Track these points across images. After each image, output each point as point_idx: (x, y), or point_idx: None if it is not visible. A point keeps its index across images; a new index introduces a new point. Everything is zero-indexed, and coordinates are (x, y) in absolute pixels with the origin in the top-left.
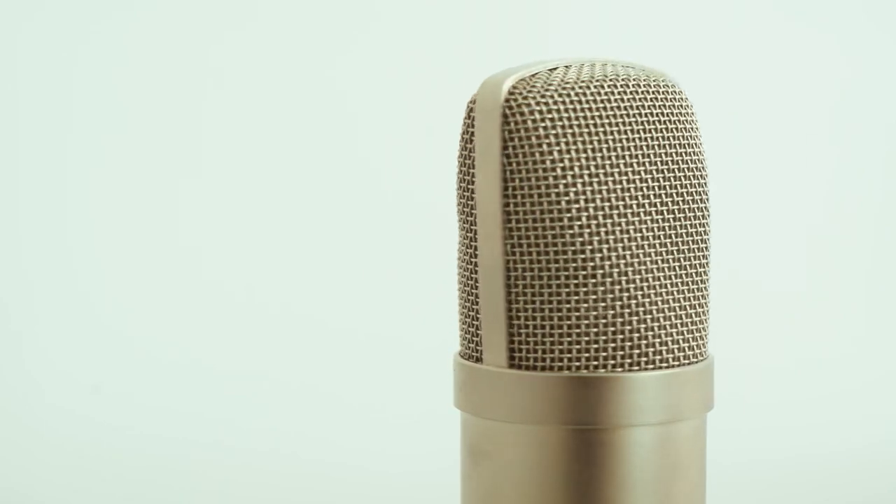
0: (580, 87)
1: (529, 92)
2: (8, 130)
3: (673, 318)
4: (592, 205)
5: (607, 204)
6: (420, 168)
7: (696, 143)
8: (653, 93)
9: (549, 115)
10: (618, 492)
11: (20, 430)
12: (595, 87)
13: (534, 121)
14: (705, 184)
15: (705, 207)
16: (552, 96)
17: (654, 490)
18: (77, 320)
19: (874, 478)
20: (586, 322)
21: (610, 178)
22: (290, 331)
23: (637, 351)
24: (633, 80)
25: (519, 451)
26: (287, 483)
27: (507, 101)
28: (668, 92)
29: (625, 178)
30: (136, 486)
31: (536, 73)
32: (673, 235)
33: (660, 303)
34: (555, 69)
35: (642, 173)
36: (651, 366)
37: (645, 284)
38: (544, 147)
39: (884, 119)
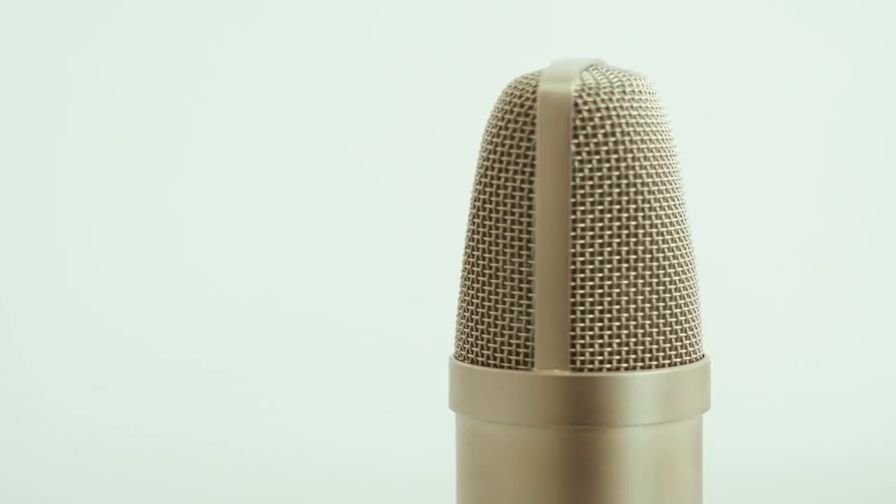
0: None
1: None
2: (6, 130)
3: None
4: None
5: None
6: (421, 169)
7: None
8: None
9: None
10: (613, 492)
11: (20, 430)
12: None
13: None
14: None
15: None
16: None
17: (651, 491)
18: (77, 320)
19: (874, 478)
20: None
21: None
22: (295, 332)
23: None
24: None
25: (513, 452)
26: (293, 483)
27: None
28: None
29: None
30: (137, 487)
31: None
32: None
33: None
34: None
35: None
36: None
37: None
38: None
39: (884, 121)
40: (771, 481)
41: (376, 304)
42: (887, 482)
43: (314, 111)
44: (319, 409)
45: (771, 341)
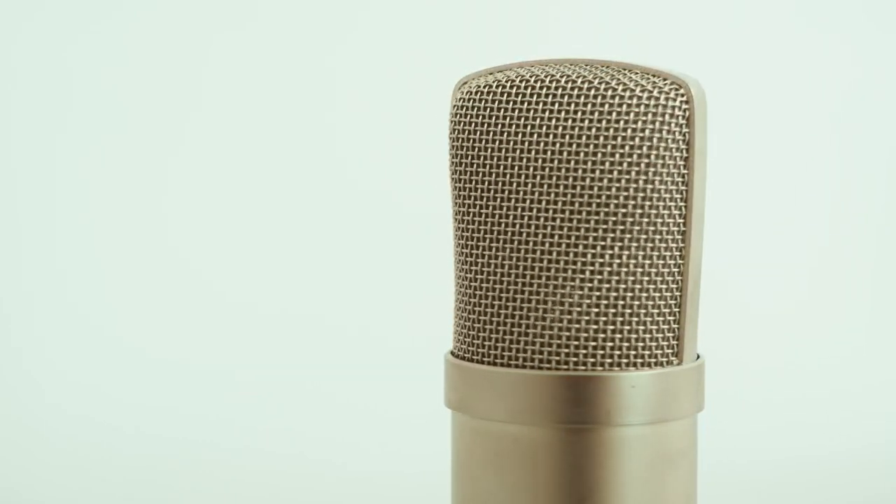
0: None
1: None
2: (5, 131)
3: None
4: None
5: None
6: (420, 170)
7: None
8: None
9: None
10: (608, 491)
11: (20, 430)
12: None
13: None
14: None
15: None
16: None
17: (645, 491)
18: (77, 320)
19: (874, 478)
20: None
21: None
22: (295, 332)
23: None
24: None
25: (507, 450)
26: (293, 483)
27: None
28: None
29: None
30: (137, 487)
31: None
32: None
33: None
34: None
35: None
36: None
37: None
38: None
39: (888, 123)
40: (770, 481)
41: (376, 304)
42: (887, 482)
43: (312, 114)
44: (319, 409)
45: (772, 343)
